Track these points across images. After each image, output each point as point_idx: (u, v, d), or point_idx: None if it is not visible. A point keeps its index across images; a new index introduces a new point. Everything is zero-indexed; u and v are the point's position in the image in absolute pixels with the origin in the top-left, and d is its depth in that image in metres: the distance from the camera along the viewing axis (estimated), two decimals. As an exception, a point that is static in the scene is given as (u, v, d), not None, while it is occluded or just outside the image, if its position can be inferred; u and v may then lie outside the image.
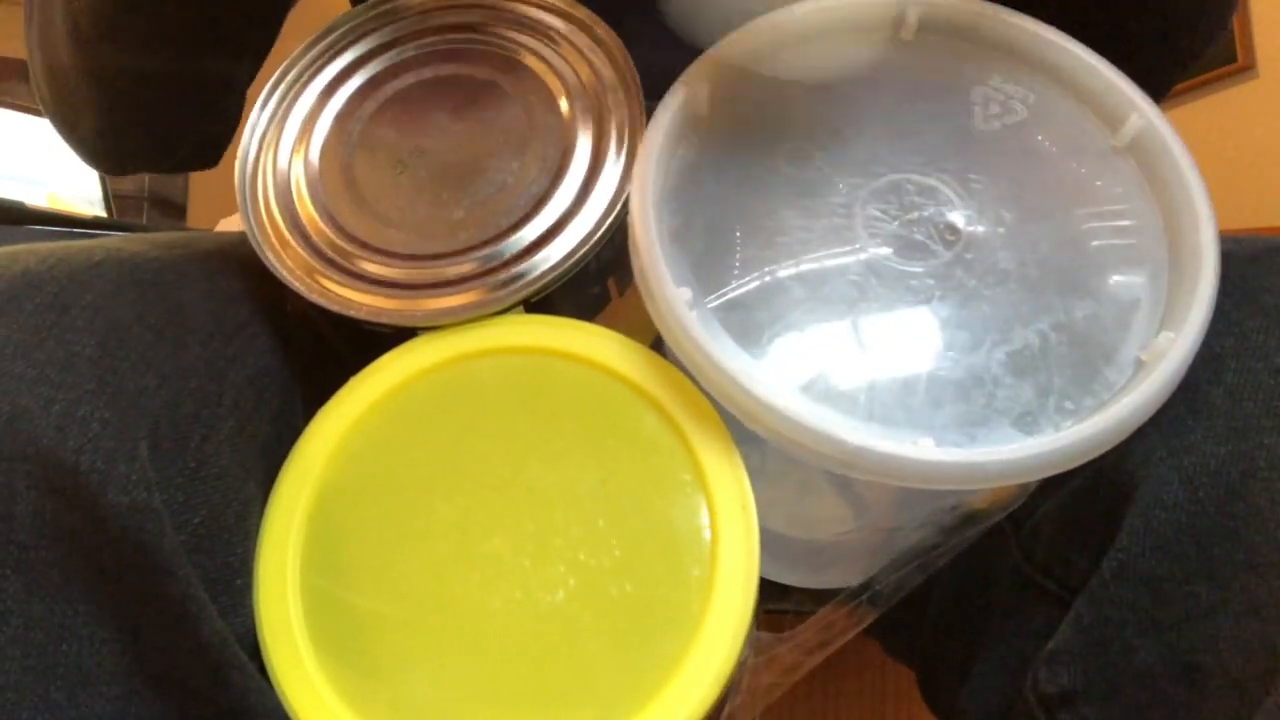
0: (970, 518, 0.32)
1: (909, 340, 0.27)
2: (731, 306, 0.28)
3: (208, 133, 0.36)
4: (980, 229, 0.29)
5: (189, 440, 0.25)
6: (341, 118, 0.33)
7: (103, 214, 1.24)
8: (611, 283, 0.33)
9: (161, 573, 0.23)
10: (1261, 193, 1.41)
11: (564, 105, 0.32)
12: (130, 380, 0.24)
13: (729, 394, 0.26)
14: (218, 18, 0.30)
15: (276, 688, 0.26)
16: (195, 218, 1.41)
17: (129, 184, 1.33)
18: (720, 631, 0.25)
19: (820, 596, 0.34)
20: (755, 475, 0.28)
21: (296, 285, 0.30)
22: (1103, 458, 0.26)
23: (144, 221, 1.34)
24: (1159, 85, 0.32)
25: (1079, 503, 0.30)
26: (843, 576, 0.36)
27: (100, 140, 0.34)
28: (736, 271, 0.29)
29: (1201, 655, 0.26)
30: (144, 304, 0.26)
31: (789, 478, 0.37)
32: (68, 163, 1.16)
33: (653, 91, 0.31)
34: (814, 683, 0.64)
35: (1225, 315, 0.27)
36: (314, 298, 0.30)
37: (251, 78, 0.36)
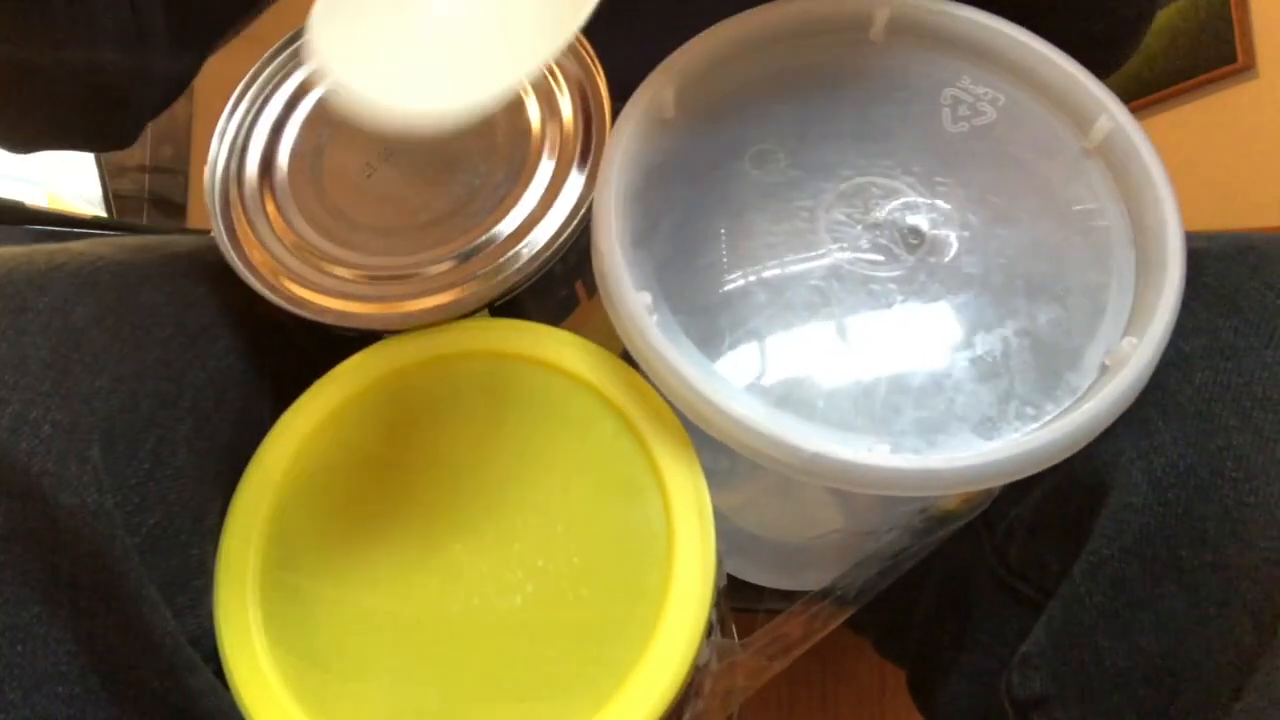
0: (941, 519, 0.32)
1: (870, 345, 0.27)
2: (694, 311, 0.28)
3: (95, 118, 0.36)
4: (945, 232, 0.29)
5: (144, 441, 0.25)
6: (310, 122, 0.33)
7: (103, 214, 1.24)
8: (579, 286, 0.33)
9: (113, 574, 0.23)
10: (1261, 193, 1.40)
11: (531, 107, 0.32)
12: (84, 382, 0.24)
13: (686, 400, 0.26)
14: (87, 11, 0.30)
15: (232, 689, 0.26)
16: (195, 218, 1.41)
17: (129, 184, 1.34)
18: (675, 637, 0.25)
19: (793, 598, 0.34)
20: (725, 478, 0.28)
21: (263, 289, 0.30)
22: (1072, 459, 0.26)
23: (144, 221, 1.35)
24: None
25: (1051, 505, 0.30)
26: (818, 579, 0.36)
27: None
28: (700, 276, 0.29)
29: (1172, 658, 0.26)
30: (102, 306, 0.26)
31: (763, 480, 0.37)
32: (67, 163, 1.17)
33: (623, 92, 0.31)
34: (813, 683, 0.64)
35: (1196, 315, 0.27)
36: (280, 301, 0.30)
37: (139, 67, 0.35)
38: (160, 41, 0.34)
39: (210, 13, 0.37)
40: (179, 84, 0.38)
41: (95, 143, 0.37)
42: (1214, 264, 0.28)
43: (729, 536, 0.33)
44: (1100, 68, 0.30)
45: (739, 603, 0.37)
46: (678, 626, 0.25)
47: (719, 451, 0.29)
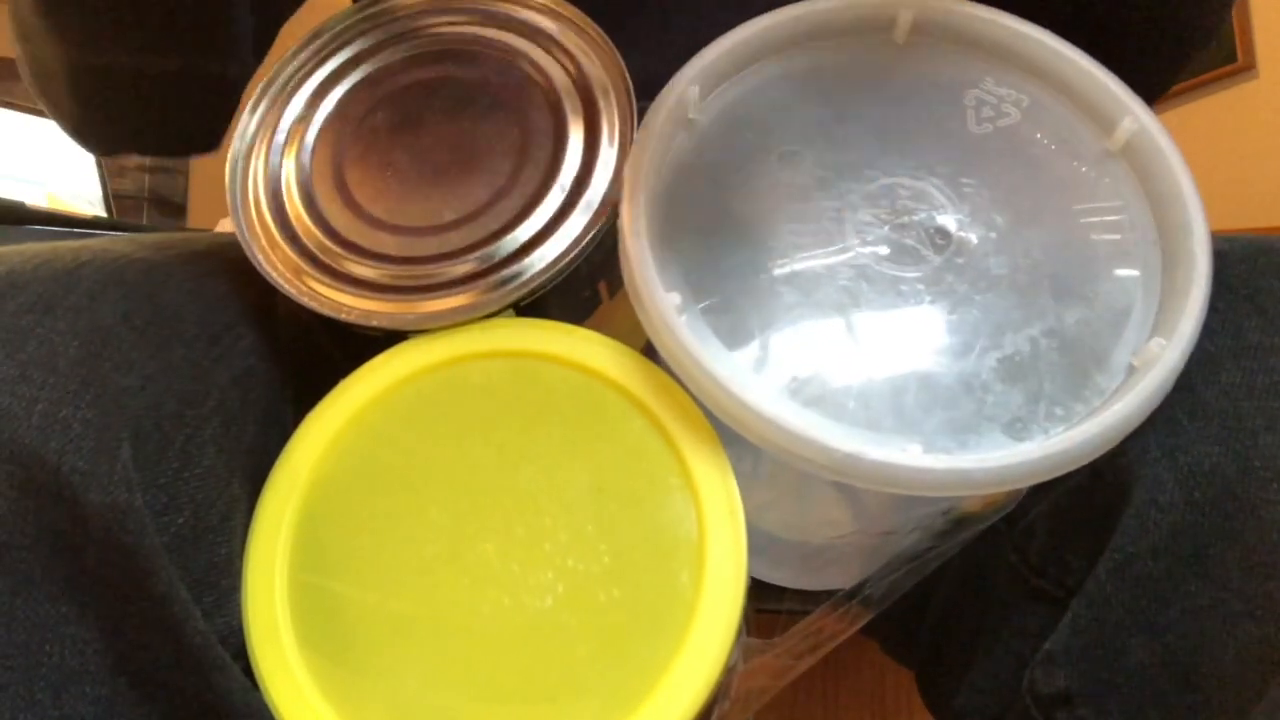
0: (963, 521, 0.32)
1: (899, 345, 0.27)
2: (722, 311, 0.28)
3: (194, 123, 0.36)
4: (972, 233, 0.29)
5: (173, 441, 0.25)
6: (333, 120, 0.33)
7: (102, 214, 1.24)
8: (602, 286, 0.33)
9: (143, 573, 0.23)
10: (1261, 193, 1.41)
11: (555, 107, 0.32)
12: (113, 380, 0.24)
13: (717, 400, 0.26)
14: (180, 12, 0.30)
15: (262, 687, 0.26)
16: (195, 218, 1.41)
17: (129, 184, 1.33)
18: (708, 637, 0.25)
19: (814, 598, 0.34)
20: (748, 479, 0.28)
21: (286, 287, 0.30)
22: (1097, 459, 0.26)
23: (144, 221, 1.35)
24: (1152, 88, 0.32)
25: (1074, 503, 0.30)
26: (837, 579, 0.36)
27: (80, 118, 0.34)
28: (728, 275, 0.29)
29: (1197, 655, 0.26)
30: (129, 304, 0.26)
31: (783, 481, 0.37)
32: (68, 163, 1.16)
33: (647, 92, 0.31)
34: (814, 683, 0.64)
35: (1220, 315, 0.27)
36: (303, 300, 0.30)
37: (244, 75, 0.35)
38: (248, 43, 0.34)
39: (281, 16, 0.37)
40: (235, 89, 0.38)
41: (195, 143, 0.36)
42: (1236, 265, 0.28)
43: (749, 537, 0.33)
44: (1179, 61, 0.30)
45: (760, 603, 0.37)
46: (711, 626, 0.25)
47: (742, 451, 0.29)
